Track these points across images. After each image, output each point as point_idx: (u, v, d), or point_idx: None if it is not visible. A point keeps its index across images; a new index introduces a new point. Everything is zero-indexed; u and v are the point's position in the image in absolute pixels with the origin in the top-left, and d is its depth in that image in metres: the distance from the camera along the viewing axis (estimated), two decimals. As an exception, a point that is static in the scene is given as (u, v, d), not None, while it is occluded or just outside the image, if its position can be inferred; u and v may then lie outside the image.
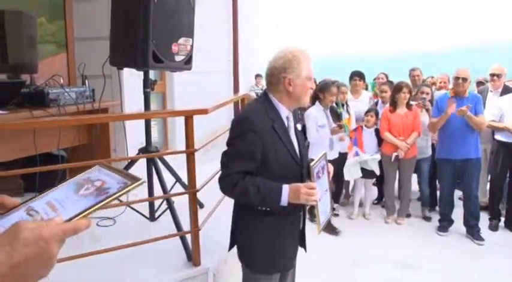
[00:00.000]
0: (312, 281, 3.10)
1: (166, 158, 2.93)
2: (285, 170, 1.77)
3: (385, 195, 4.72)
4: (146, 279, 2.35)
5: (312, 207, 1.81)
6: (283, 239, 1.88)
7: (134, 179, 0.70)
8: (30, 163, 2.56)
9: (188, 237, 2.49)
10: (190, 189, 2.39)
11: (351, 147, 4.59)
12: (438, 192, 4.60)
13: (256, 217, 1.81)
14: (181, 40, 2.72)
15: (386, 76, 5.99)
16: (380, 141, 4.60)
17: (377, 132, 4.61)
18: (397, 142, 4.37)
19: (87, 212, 0.64)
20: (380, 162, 4.57)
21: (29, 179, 2.91)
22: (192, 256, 2.46)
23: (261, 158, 1.72)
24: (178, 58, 2.72)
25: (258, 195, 1.68)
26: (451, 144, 4.07)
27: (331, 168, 1.98)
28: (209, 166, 2.79)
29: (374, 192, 5.11)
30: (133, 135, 3.11)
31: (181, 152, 2.44)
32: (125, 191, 0.68)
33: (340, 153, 4.42)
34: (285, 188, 1.69)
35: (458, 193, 4.61)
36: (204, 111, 2.44)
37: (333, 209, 4.23)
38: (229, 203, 2.10)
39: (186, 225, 2.48)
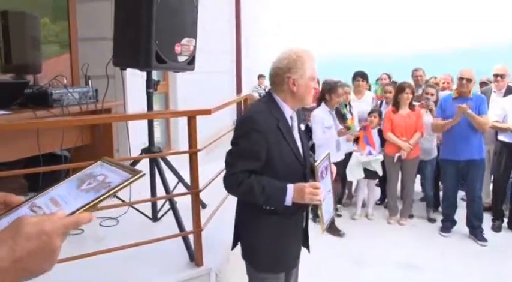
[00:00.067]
0: (315, 281, 3.10)
1: (169, 158, 2.94)
2: (288, 170, 1.78)
3: (388, 195, 4.70)
4: (149, 280, 2.35)
5: (316, 207, 1.82)
6: (287, 238, 1.89)
7: (135, 172, 0.70)
8: (33, 163, 2.57)
9: (191, 237, 2.49)
10: (193, 189, 2.39)
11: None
12: (441, 193, 4.58)
13: (261, 216, 1.82)
14: (185, 40, 2.73)
15: (389, 76, 5.98)
16: (383, 141, 4.59)
17: (380, 133, 4.61)
18: (400, 142, 4.36)
19: (89, 205, 0.65)
20: (383, 163, 4.56)
21: (32, 179, 2.91)
22: (195, 256, 2.46)
23: (266, 157, 1.73)
24: (181, 58, 2.73)
25: (263, 194, 1.69)
26: (455, 145, 4.05)
27: (334, 168, 1.99)
28: (212, 166, 2.79)
29: (377, 192, 5.09)
30: (136, 136, 3.11)
31: (184, 152, 2.45)
32: (126, 183, 0.68)
33: (345, 155, 4.42)
34: (290, 187, 1.69)
35: (461, 194, 4.60)
36: (207, 112, 2.44)
37: (336, 209, 4.22)
38: (231, 203, 2.10)
39: (188, 226, 2.48)
